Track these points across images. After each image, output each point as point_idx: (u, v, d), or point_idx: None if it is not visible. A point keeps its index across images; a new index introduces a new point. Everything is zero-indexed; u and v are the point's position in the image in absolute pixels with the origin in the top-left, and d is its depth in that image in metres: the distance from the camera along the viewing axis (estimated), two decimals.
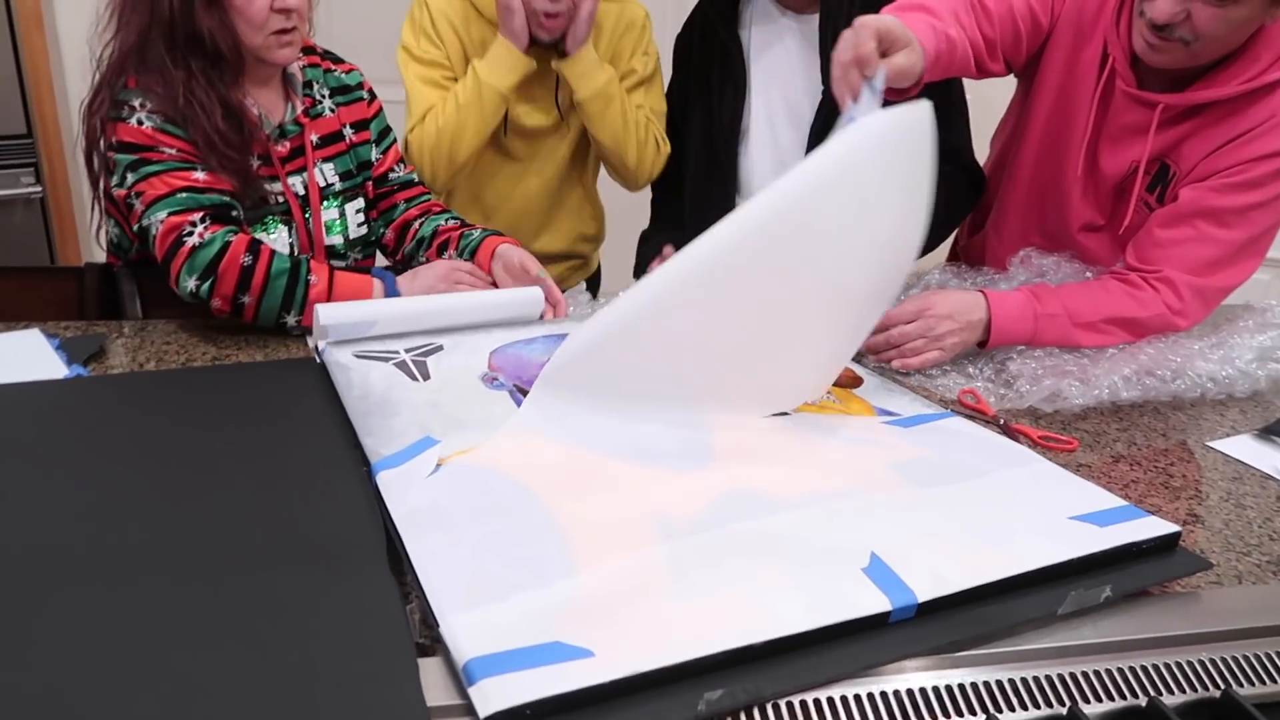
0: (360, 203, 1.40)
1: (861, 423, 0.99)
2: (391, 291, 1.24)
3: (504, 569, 0.67)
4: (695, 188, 1.61)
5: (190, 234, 1.15)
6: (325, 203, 1.34)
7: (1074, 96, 1.26)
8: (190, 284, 1.15)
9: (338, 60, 1.43)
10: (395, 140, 1.47)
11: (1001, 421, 1.07)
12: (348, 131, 1.38)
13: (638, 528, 0.73)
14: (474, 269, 1.31)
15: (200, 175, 1.18)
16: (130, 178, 1.18)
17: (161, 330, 1.21)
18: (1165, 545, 0.78)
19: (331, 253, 1.36)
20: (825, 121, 1.47)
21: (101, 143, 1.21)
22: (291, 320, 1.18)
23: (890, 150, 0.87)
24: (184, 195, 1.17)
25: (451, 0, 1.59)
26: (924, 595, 0.67)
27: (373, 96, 1.44)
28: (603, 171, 1.78)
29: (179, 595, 0.65)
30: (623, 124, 1.60)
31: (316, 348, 1.10)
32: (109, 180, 1.22)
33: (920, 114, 0.88)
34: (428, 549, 0.70)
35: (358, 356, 1.06)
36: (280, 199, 1.28)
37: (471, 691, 0.56)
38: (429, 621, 0.64)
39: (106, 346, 1.13)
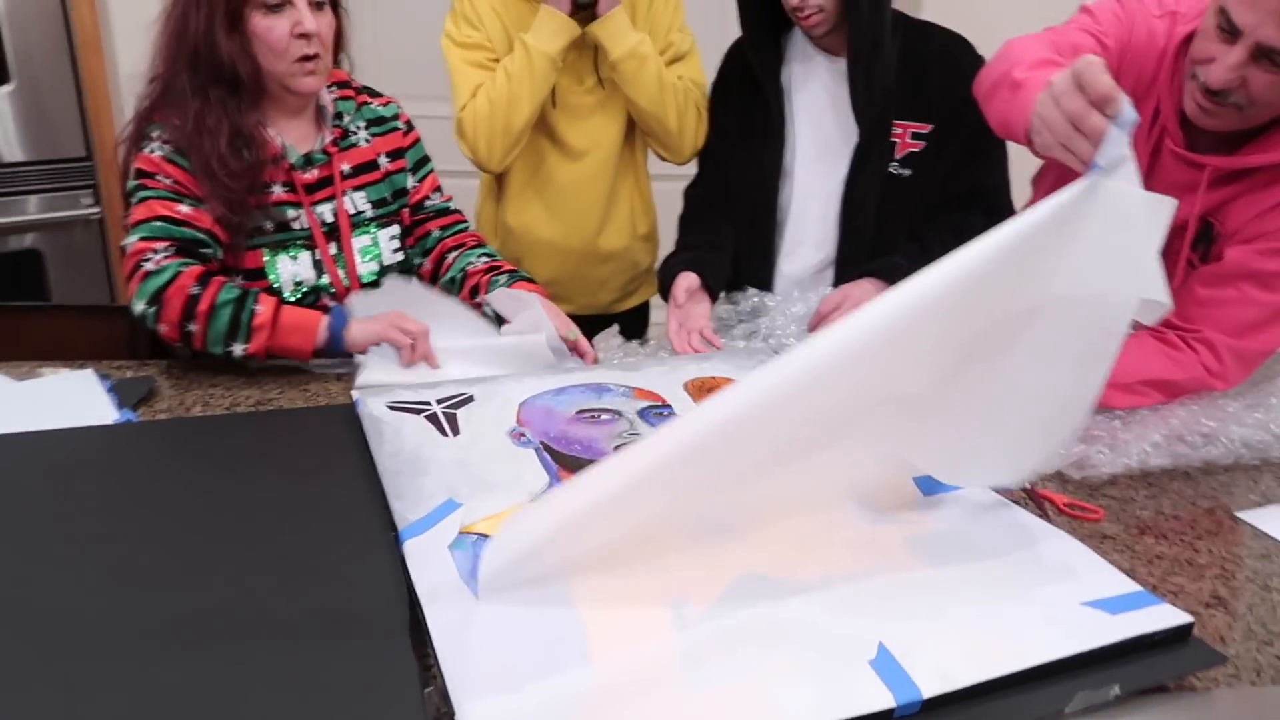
0: (395, 229, 1.44)
1: (884, 488, 0.99)
2: (338, 325, 1.24)
3: (522, 655, 0.70)
4: (739, 230, 1.62)
5: (149, 260, 1.21)
6: (356, 230, 1.39)
7: None
8: (139, 307, 1.21)
9: (375, 94, 1.48)
10: (432, 170, 1.52)
11: (1028, 486, 1.07)
12: (383, 160, 1.43)
13: (653, 615, 0.75)
14: (412, 331, 1.25)
15: (185, 209, 1.24)
16: (130, 202, 1.25)
17: (209, 370, 1.25)
18: (1177, 636, 0.78)
19: (370, 279, 1.40)
20: (861, 161, 1.48)
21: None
22: (238, 350, 1.21)
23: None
24: (158, 223, 1.23)
25: None
26: (929, 692, 0.68)
27: (410, 128, 1.50)
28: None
29: (193, 660, 0.68)
30: (659, 87, 1.65)
31: (354, 398, 1.13)
32: None
33: (1167, 208, 0.79)
34: (448, 628, 0.72)
35: (391, 408, 1.09)
36: (303, 226, 1.33)
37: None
38: (448, 699, 0.66)
39: (156, 389, 1.18)
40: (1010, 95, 1.11)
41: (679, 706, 0.66)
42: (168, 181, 1.24)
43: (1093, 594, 0.81)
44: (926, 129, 1.47)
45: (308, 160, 1.34)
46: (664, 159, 1.80)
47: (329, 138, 1.37)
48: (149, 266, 1.20)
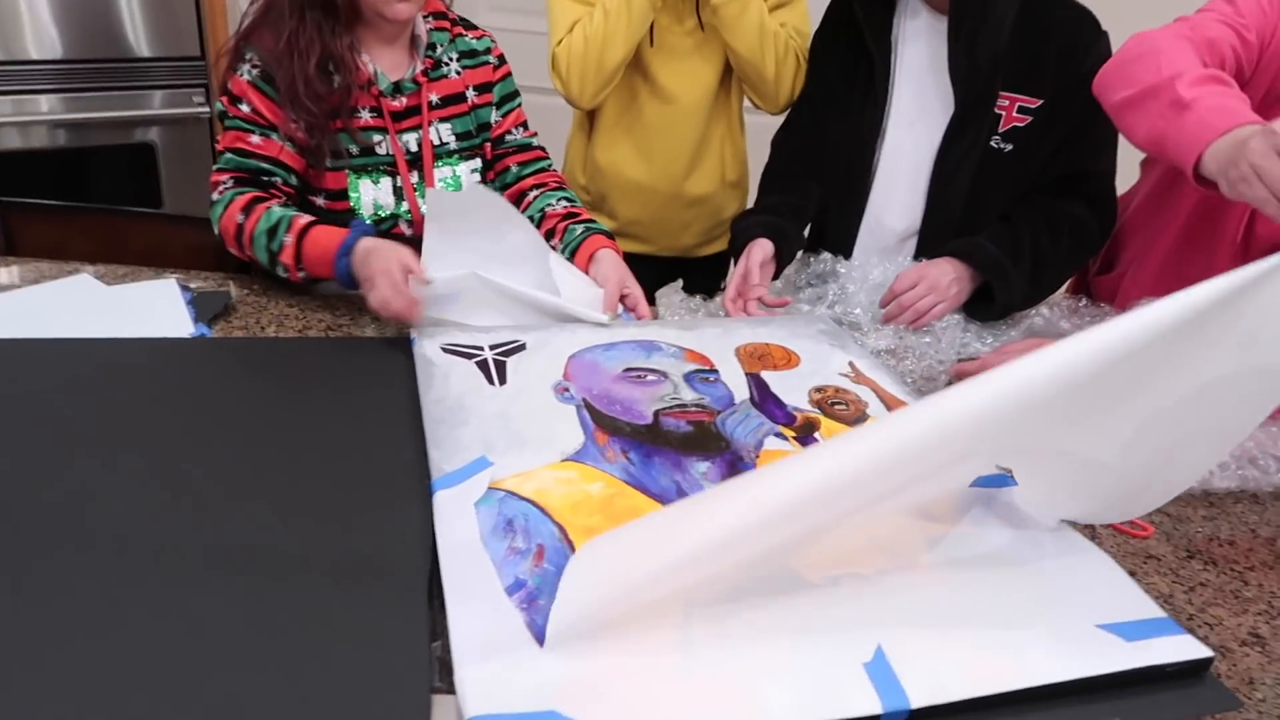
0: (477, 163, 1.46)
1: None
2: (343, 268, 1.20)
3: (526, 619, 0.72)
4: (825, 190, 1.58)
5: (215, 191, 1.28)
6: (439, 161, 1.41)
7: None
8: (216, 232, 1.27)
9: (470, 26, 1.48)
10: (518, 106, 1.52)
11: None
12: (470, 93, 1.44)
13: (661, 599, 0.75)
14: (401, 278, 1.16)
15: (255, 139, 1.28)
16: (221, 126, 1.31)
17: (287, 291, 1.29)
18: (1194, 671, 0.76)
19: None
20: (956, 131, 1.42)
21: None
22: (281, 273, 1.24)
23: None
24: (230, 155, 1.29)
25: None
26: (918, 702, 0.68)
27: (501, 62, 1.49)
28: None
29: (210, 591, 0.72)
30: (759, 33, 1.62)
31: (411, 339, 1.14)
32: None
33: None
34: (462, 587, 0.74)
35: (445, 350, 1.11)
36: (387, 152, 1.35)
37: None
38: (445, 669, 0.69)
39: (233, 305, 1.23)
40: (1173, 115, 1.03)
41: (667, 696, 0.67)
42: (247, 110, 1.28)
43: (1111, 616, 0.79)
44: (1035, 104, 1.39)
45: (397, 88, 1.35)
46: (758, 107, 1.76)
47: (420, 67, 1.38)
48: (214, 196, 1.28)
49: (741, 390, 1.11)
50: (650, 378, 1.10)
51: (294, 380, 1.06)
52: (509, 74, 1.50)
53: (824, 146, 1.55)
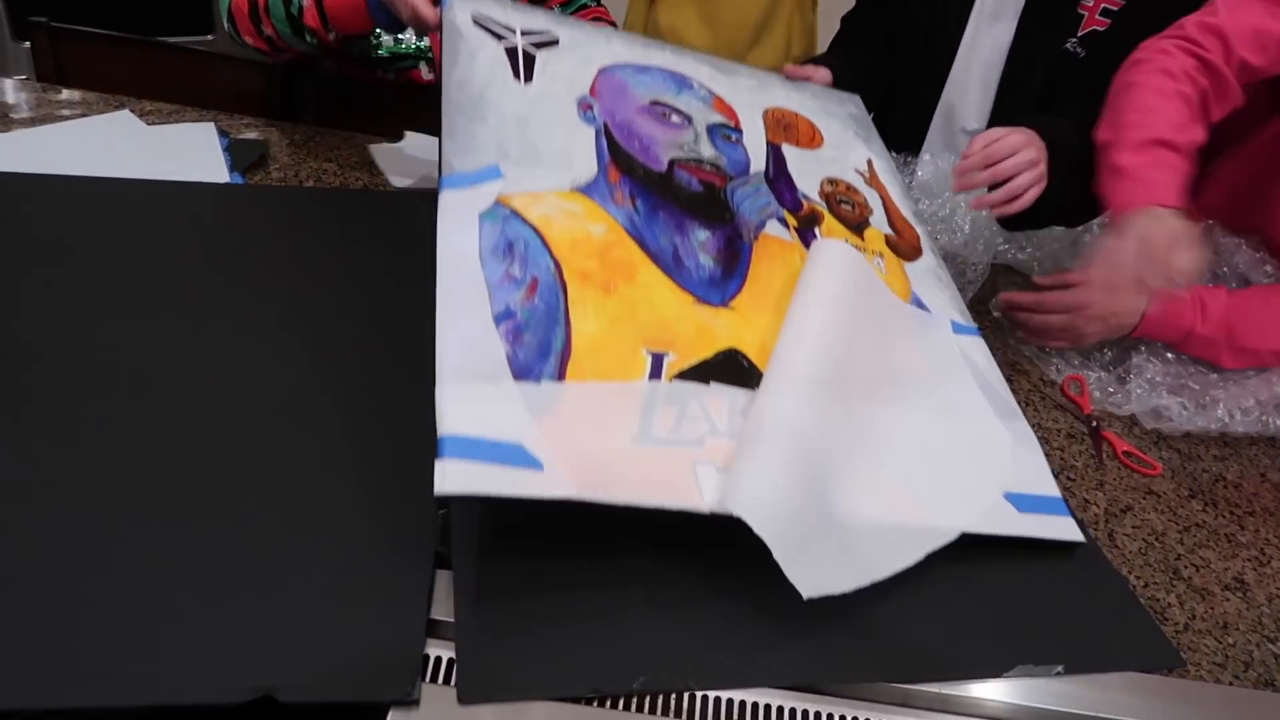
0: None
1: (891, 307, 0.98)
2: None
3: (509, 350, 0.73)
4: (898, 82, 1.50)
5: None
6: None
7: None
8: (227, 28, 1.21)
9: None
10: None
11: (1094, 423, 1.04)
12: None
13: (632, 358, 0.78)
14: None
15: None
16: None
17: (328, 143, 1.29)
18: (1067, 548, 0.84)
19: None
20: (1027, 30, 1.34)
21: None
22: (310, 38, 1.18)
23: None
24: None
25: None
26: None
27: None
28: None
29: (221, 447, 0.75)
30: None
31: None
32: None
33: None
34: (454, 303, 0.74)
35: (476, 22, 1.03)
36: None
37: (436, 464, 0.63)
38: (447, 535, 0.72)
39: (271, 153, 1.23)
40: (1108, 177, 1.02)
41: (620, 455, 0.71)
42: None
43: (1016, 486, 0.86)
44: (1118, 5, 1.28)
45: None
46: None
47: None
48: None
49: (759, 159, 1.08)
50: (675, 119, 1.06)
51: (321, 232, 1.06)
52: None
53: (898, 31, 1.47)
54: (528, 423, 0.69)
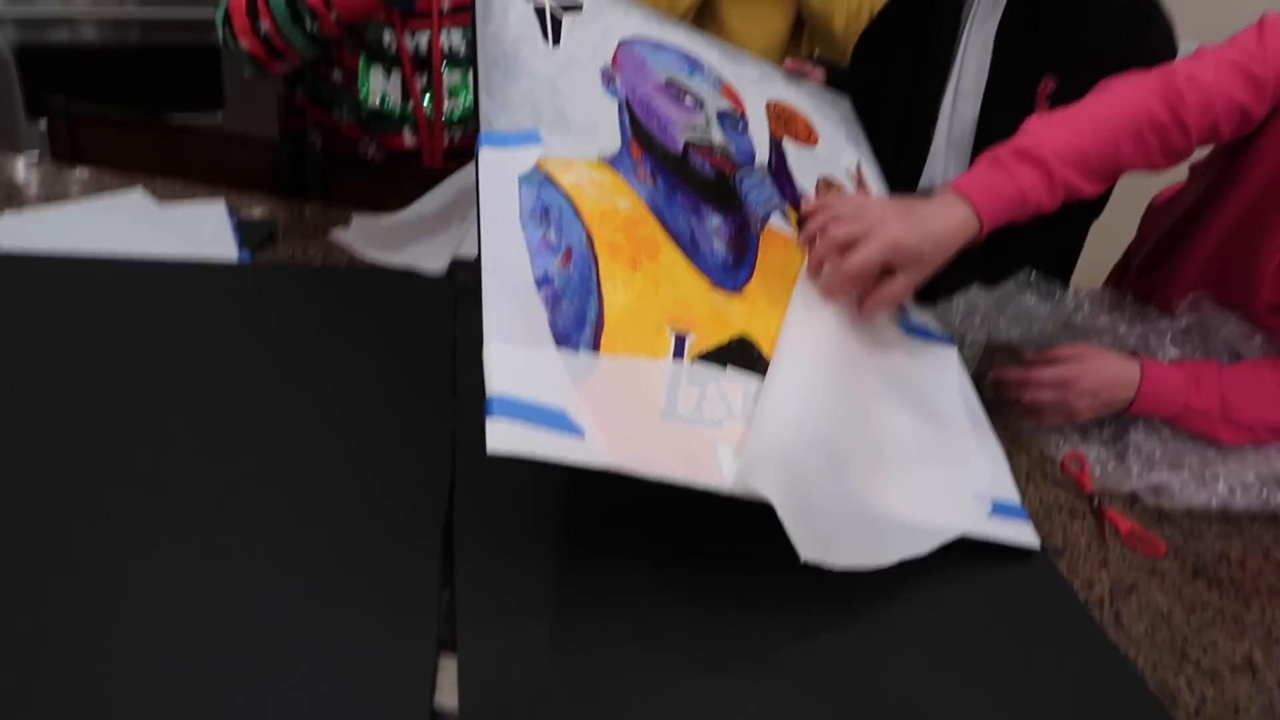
0: None
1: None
2: None
3: (549, 317, 0.76)
4: (882, 154, 1.54)
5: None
6: (448, 66, 1.41)
7: None
8: (221, 35, 1.25)
9: None
10: None
11: (1096, 501, 1.04)
12: None
13: (657, 335, 0.83)
14: None
15: None
16: None
17: (337, 220, 1.31)
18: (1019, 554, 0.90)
19: (455, 117, 1.45)
20: (991, 110, 1.37)
21: None
22: (310, 24, 1.21)
23: None
24: None
25: None
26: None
27: None
28: None
29: (220, 517, 0.76)
30: None
31: None
32: None
33: None
34: (498, 264, 0.77)
35: None
36: (391, 48, 1.36)
37: (488, 422, 0.66)
38: (452, 618, 0.72)
39: (281, 231, 1.25)
40: (986, 158, 1.03)
41: (649, 428, 0.75)
42: None
43: (987, 490, 0.94)
44: (1055, 86, 1.30)
45: None
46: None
47: None
48: None
49: (763, 151, 1.13)
50: (688, 100, 1.09)
51: (332, 312, 1.08)
52: None
53: (881, 98, 1.51)
54: (570, 390, 0.72)
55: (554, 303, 0.77)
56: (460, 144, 1.49)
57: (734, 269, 0.96)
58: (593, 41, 1.05)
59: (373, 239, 1.23)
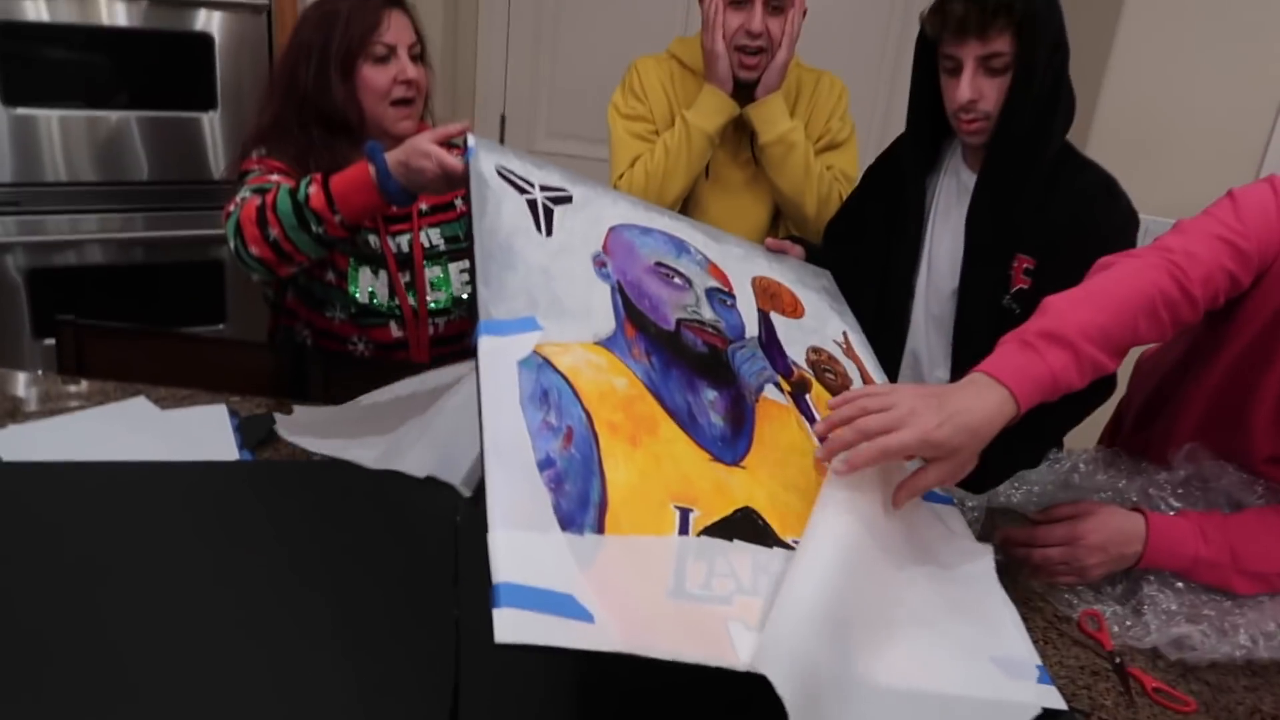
0: (465, 263, 1.55)
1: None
2: (380, 161, 1.23)
3: (553, 500, 0.76)
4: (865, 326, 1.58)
5: (234, 205, 1.32)
6: (429, 262, 1.51)
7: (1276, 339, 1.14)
8: (233, 245, 1.31)
9: (454, 146, 1.56)
10: None
11: (1118, 659, 1.01)
12: (458, 202, 1.56)
13: (662, 511, 0.83)
14: (429, 152, 1.20)
15: (274, 178, 1.35)
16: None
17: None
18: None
19: (437, 308, 1.53)
20: (969, 291, 1.42)
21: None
22: (316, 227, 1.25)
23: None
24: (248, 191, 1.34)
25: (660, 61, 1.80)
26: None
27: None
28: None
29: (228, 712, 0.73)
30: (804, 174, 1.71)
31: (465, 145, 1.10)
32: None
33: None
34: (500, 447, 0.78)
35: (500, 173, 1.09)
36: (377, 250, 1.46)
37: (495, 612, 0.64)
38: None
39: (278, 432, 1.27)
40: (1005, 342, 1.05)
41: (659, 608, 0.74)
42: (259, 170, 1.38)
43: (1002, 651, 0.92)
44: (1034, 264, 1.37)
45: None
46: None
47: None
48: (230, 209, 1.32)
49: (752, 325, 1.17)
50: (677, 280, 1.14)
51: (328, 504, 1.08)
52: None
53: (857, 277, 1.55)
54: (576, 574, 0.71)
55: (558, 485, 0.77)
56: (444, 333, 1.55)
57: (732, 441, 0.97)
58: (583, 229, 1.11)
59: (307, 427, 1.25)
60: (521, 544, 0.70)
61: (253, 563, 0.95)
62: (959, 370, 1.46)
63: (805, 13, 1.73)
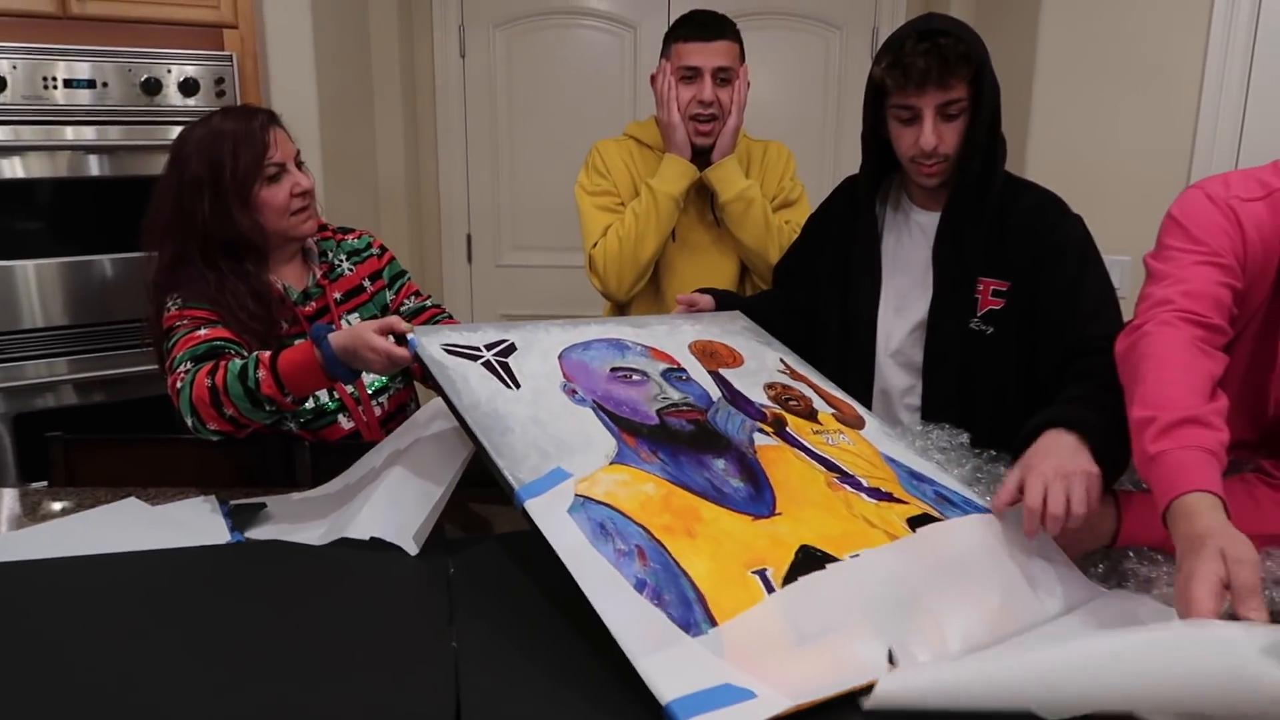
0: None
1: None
2: (326, 348, 1.23)
3: (664, 614, 0.85)
4: (834, 366, 1.63)
5: (176, 385, 1.34)
6: None
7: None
8: (189, 423, 1.33)
9: (347, 231, 1.69)
10: (409, 279, 1.71)
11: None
12: (366, 284, 1.63)
13: (746, 581, 0.91)
14: (378, 349, 1.20)
15: (203, 331, 1.38)
16: (167, 358, 1.40)
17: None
18: None
19: (379, 386, 1.57)
20: (939, 318, 1.48)
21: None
22: (269, 407, 1.28)
23: None
24: (181, 356, 1.36)
25: (619, 142, 1.94)
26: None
27: (383, 251, 1.70)
28: None
29: None
30: (764, 226, 1.84)
31: (408, 339, 1.19)
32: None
33: None
34: (599, 588, 0.87)
35: (447, 350, 1.17)
36: None
37: None
38: None
39: (271, 514, 1.28)
40: (1146, 466, 1.01)
41: (794, 657, 0.84)
42: (186, 322, 1.41)
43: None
44: (1005, 286, 1.44)
45: (305, 295, 1.54)
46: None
47: (319, 273, 1.57)
48: (177, 387, 1.33)
49: (712, 389, 1.25)
50: (636, 377, 1.22)
51: (312, 586, 1.06)
52: (393, 258, 1.71)
53: (815, 316, 1.64)
54: (720, 664, 0.81)
55: (659, 599, 0.87)
56: (390, 409, 1.60)
57: (759, 496, 1.05)
58: (540, 368, 1.20)
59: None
60: (665, 662, 0.80)
61: (253, 626, 0.96)
62: (930, 397, 1.51)
63: (749, 85, 1.89)
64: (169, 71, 2.33)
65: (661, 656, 0.80)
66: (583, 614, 0.89)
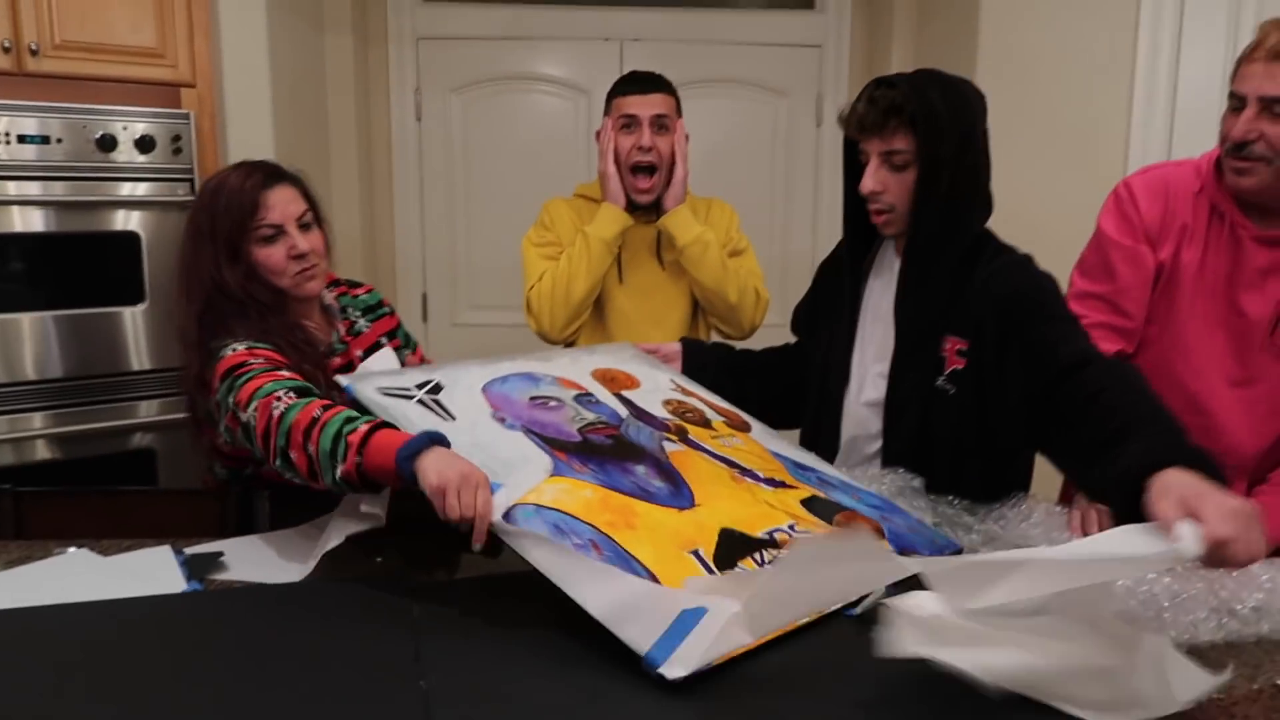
0: None
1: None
2: (408, 471, 1.12)
3: (629, 591, 0.99)
4: (810, 408, 1.66)
5: (277, 403, 1.22)
6: None
7: (1203, 281, 1.41)
8: (279, 444, 1.20)
9: (355, 284, 1.68)
10: (418, 344, 1.76)
11: None
12: (384, 341, 1.63)
13: (685, 559, 1.09)
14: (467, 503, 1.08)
15: (284, 373, 1.30)
16: (230, 398, 1.28)
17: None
18: None
19: None
20: (900, 374, 1.49)
21: (205, 399, 1.36)
22: (337, 471, 1.15)
23: None
24: (270, 384, 1.26)
25: (568, 200, 2.05)
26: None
27: (391, 310, 1.71)
28: None
29: None
30: (721, 267, 1.93)
31: (344, 386, 1.29)
32: (212, 430, 1.38)
33: None
34: (571, 576, 1.00)
35: (382, 393, 1.25)
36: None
37: (661, 670, 0.90)
38: None
39: (228, 561, 1.26)
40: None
41: (773, 593, 1.00)
42: (259, 361, 1.31)
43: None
44: (966, 345, 1.42)
45: (331, 351, 1.52)
46: (725, 335, 1.99)
47: (342, 330, 1.57)
48: (278, 408, 1.22)
49: (619, 408, 1.41)
50: (553, 404, 1.36)
51: (278, 626, 1.06)
52: (400, 320, 1.73)
53: (806, 375, 1.67)
54: (676, 594, 1.00)
55: (621, 580, 1.01)
56: None
57: (679, 493, 1.23)
58: (469, 401, 1.31)
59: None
60: (638, 625, 0.95)
61: (218, 672, 0.95)
62: (889, 445, 1.52)
63: (688, 137, 1.98)
64: (124, 129, 2.33)
65: (634, 626, 0.95)
66: (550, 649, 0.92)
